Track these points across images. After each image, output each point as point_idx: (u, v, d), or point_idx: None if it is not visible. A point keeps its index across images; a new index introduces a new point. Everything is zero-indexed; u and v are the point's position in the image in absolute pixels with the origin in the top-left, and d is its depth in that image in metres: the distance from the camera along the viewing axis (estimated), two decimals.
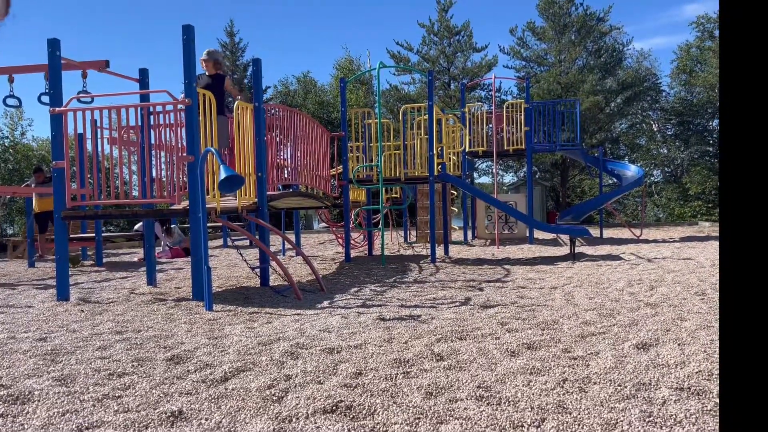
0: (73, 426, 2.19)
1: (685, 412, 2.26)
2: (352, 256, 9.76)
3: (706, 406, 2.34)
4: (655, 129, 28.83)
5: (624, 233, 14.96)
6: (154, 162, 6.00)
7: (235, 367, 2.99)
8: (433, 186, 9.06)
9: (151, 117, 6.07)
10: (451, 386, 2.64)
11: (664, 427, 2.13)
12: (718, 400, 2.42)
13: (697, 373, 2.80)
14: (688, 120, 26.98)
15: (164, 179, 5.96)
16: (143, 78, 6.82)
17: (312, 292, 5.89)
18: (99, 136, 6.18)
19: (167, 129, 6.26)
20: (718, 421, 2.18)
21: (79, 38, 64.50)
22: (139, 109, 5.88)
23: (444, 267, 8.06)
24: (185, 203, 5.79)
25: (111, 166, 5.99)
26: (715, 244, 10.98)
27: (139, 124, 5.89)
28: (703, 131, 27.04)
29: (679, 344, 3.38)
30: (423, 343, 3.51)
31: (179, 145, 6.02)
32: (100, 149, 6.21)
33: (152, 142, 5.90)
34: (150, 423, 2.21)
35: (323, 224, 15.96)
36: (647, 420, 2.20)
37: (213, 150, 5.10)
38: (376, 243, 11.41)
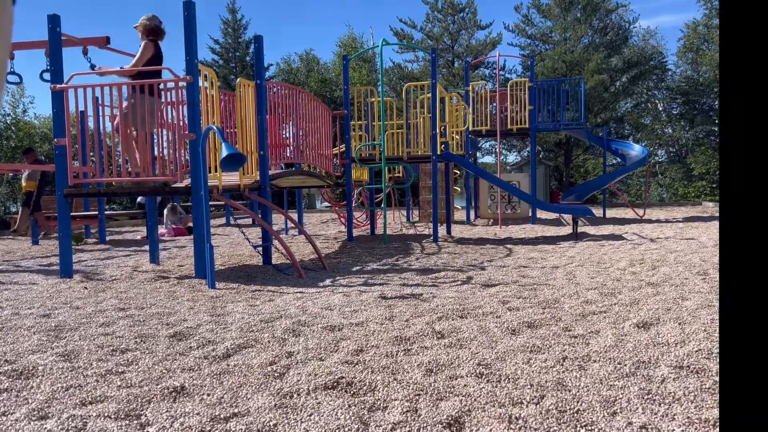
0: (77, 400, 2.21)
1: (683, 390, 2.27)
2: (354, 235, 9.77)
3: (705, 384, 2.35)
4: (660, 108, 28.61)
5: (627, 213, 14.93)
6: (156, 140, 5.99)
7: (237, 344, 3.01)
8: (436, 165, 9.03)
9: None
10: (452, 363, 2.66)
11: (662, 405, 2.15)
12: (717, 379, 2.43)
13: (696, 351, 2.81)
14: (694, 99, 26.76)
15: (166, 157, 5.95)
16: None
17: (314, 271, 5.91)
18: (102, 113, 6.15)
19: (169, 107, 6.23)
20: (717, 399, 2.19)
21: (78, 14, 63.95)
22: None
23: (446, 246, 8.07)
24: (187, 181, 5.79)
25: (114, 144, 5.98)
26: (718, 223, 10.96)
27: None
28: (708, 111, 26.83)
29: (679, 323, 3.39)
30: (424, 321, 3.53)
31: (181, 123, 5.99)
32: (102, 127, 6.19)
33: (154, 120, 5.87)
34: (152, 398, 2.23)
35: (326, 203, 15.96)
36: (646, 397, 2.21)
37: (215, 128, 5.08)
38: (379, 222, 11.42)
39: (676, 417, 2.03)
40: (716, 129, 26.41)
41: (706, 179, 24.73)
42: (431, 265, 6.21)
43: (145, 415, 2.07)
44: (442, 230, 10.08)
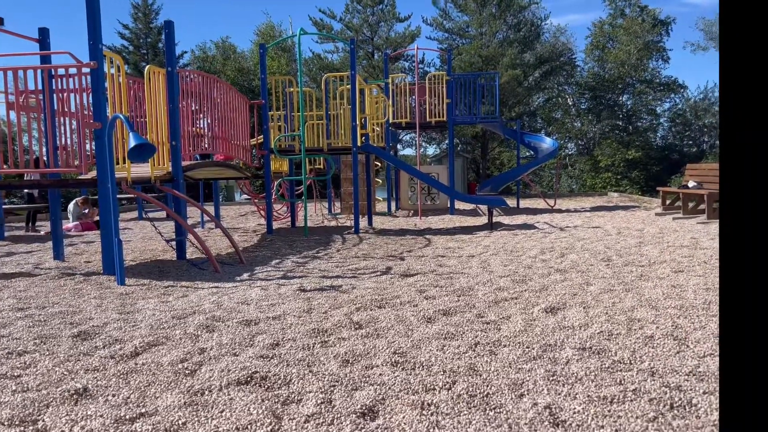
0: None
1: (585, 370, 2.40)
2: (274, 227, 9.63)
3: (605, 364, 2.49)
4: (570, 103, 29.95)
5: (539, 203, 15.56)
6: (58, 129, 5.64)
7: (146, 342, 2.89)
8: (357, 157, 9.04)
9: (56, 81, 5.68)
10: (368, 353, 2.68)
11: (566, 385, 2.26)
12: (616, 358, 2.58)
13: (598, 333, 2.97)
14: (601, 95, 28.18)
15: (70, 147, 5.62)
16: (44, 38, 6.34)
17: (231, 265, 5.78)
18: None
19: (73, 94, 5.87)
20: (615, 377, 2.34)
21: None
22: (39, 71, 5.48)
23: (367, 238, 8.11)
24: (94, 173, 5.49)
25: (9, 133, 5.57)
26: (622, 213, 11.63)
27: (41, 87, 5.50)
28: (613, 106, 28.33)
29: (584, 307, 3.58)
30: (342, 313, 3.53)
31: (85, 112, 5.67)
32: (2, 115, 5.76)
33: (54, 107, 5.53)
34: (51, 402, 2.11)
35: (245, 196, 15.62)
36: (551, 379, 2.32)
37: (122, 116, 4.84)
38: (300, 214, 11.31)
39: (577, 396, 2.14)
40: (620, 123, 27.98)
41: (611, 171, 26.14)
42: (351, 256, 6.22)
43: (43, 421, 1.95)
44: (363, 222, 10.12)
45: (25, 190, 10.63)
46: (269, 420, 1.92)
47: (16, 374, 2.44)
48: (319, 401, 2.07)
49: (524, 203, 15.69)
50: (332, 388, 2.21)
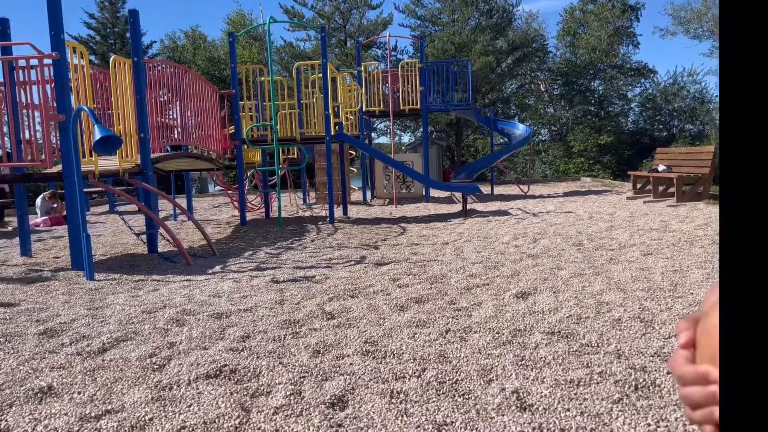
0: None
1: (553, 354, 2.44)
2: (248, 219, 9.55)
3: (573, 348, 2.53)
4: (543, 89, 30.16)
5: (513, 190, 15.68)
6: (20, 122, 5.50)
7: (114, 338, 2.85)
8: (330, 146, 8.99)
9: (17, 73, 5.53)
10: (339, 343, 2.68)
11: (534, 369, 2.29)
12: (584, 342, 2.62)
13: (567, 317, 3.02)
14: (573, 81, 28.42)
15: (33, 140, 5.49)
16: (3, 29, 6.15)
17: (204, 258, 5.72)
18: None
19: (36, 86, 5.73)
20: (582, 360, 2.37)
21: None
22: None
23: (342, 227, 8.09)
24: (59, 167, 5.38)
25: None
26: (594, 197, 11.79)
27: (1, 80, 5.35)
28: (585, 91, 28.61)
29: (554, 292, 3.62)
30: (315, 303, 3.52)
31: (49, 104, 5.53)
32: None
33: (17, 100, 5.38)
34: (15, 401, 2.07)
35: (218, 187, 15.46)
36: (520, 363, 2.35)
37: (86, 108, 4.74)
38: (274, 205, 11.23)
39: (545, 380, 2.17)
40: (592, 108, 28.27)
41: (584, 156, 26.44)
42: (326, 246, 6.20)
43: (6, 420, 1.91)
44: (338, 211, 10.09)
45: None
46: (237, 413, 1.91)
47: None
48: (288, 393, 2.07)
49: (498, 190, 15.80)
50: (302, 379, 2.21)
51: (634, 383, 2.10)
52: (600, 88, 29.02)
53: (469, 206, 9.88)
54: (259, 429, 1.81)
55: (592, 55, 27.27)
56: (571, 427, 1.76)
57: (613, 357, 2.40)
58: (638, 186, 11.59)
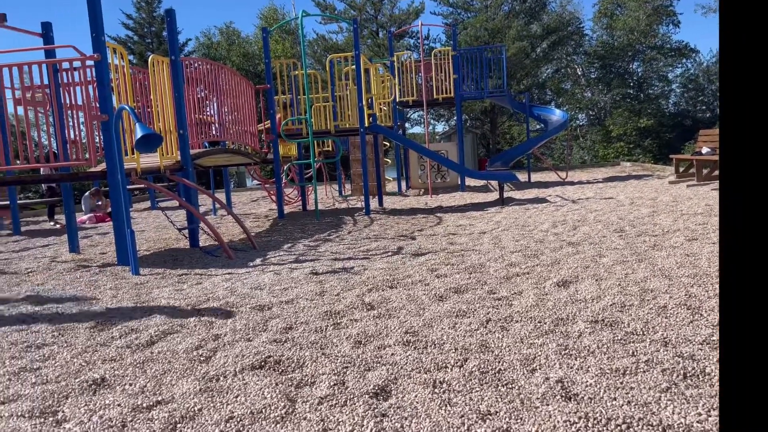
0: None
1: (597, 343, 2.40)
2: (286, 212, 9.66)
3: (617, 336, 2.49)
4: (579, 73, 29.55)
5: (551, 176, 15.45)
6: (66, 123, 5.66)
7: (161, 330, 2.93)
8: (364, 138, 9.00)
9: (61, 75, 5.69)
10: (380, 334, 2.69)
11: (578, 358, 2.26)
12: (628, 330, 2.57)
13: (611, 305, 2.96)
14: (610, 63, 27.76)
15: (78, 140, 5.65)
16: (47, 32, 6.34)
17: (244, 251, 5.82)
18: (3, 96, 5.75)
19: (78, 87, 5.89)
20: (627, 349, 2.33)
21: None
22: (44, 66, 5.49)
23: (378, 218, 8.11)
24: (103, 165, 5.53)
25: (18, 128, 5.61)
26: (635, 182, 11.52)
27: (47, 82, 5.52)
28: (624, 74, 27.92)
29: (596, 279, 3.56)
30: (354, 294, 3.55)
31: (92, 105, 5.69)
32: (8, 111, 5.79)
33: (61, 101, 5.55)
34: (70, 393, 2.15)
35: (256, 181, 15.67)
36: (563, 353, 2.32)
37: (127, 107, 4.86)
38: (311, 198, 11.33)
39: (590, 369, 2.14)
40: (631, 92, 27.58)
41: (623, 140, 25.86)
42: (363, 237, 6.23)
43: (62, 411, 1.99)
44: (374, 203, 10.12)
45: (44, 185, 10.72)
46: (283, 403, 1.94)
47: (35, 367, 2.48)
48: (332, 383, 2.09)
49: (535, 177, 15.59)
50: (345, 370, 2.23)
51: (682, 372, 2.05)
52: (639, 70, 28.27)
53: (505, 194, 9.78)
54: (304, 419, 1.84)
55: (630, 36, 26.58)
56: (618, 417, 1.74)
57: (659, 345, 2.35)
58: (681, 170, 11.27)
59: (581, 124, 30.01)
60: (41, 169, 7.77)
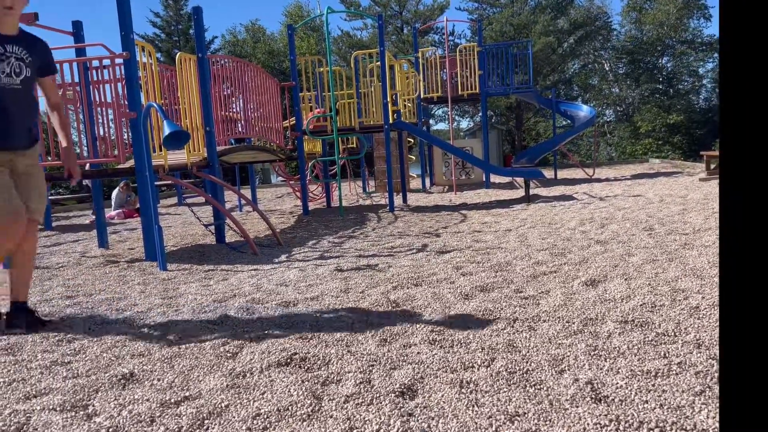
0: (20, 395, 2.14)
1: (627, 344, 2.35)
2: (310, 208, 9.70)
3: (648, 337, 2.44)
4: (607, 68, 29.09)
5: (577, 173, 15.25)
6: (95, 120, 5.75)
7: (189, 326, 2.96)
8: (389, 134, 8.99)
9: (91, 72, 5.78)
10: (405, 332, 2.68)
11: (607, 360, 2.22)
12: (659, 331, 2.52)
13: (641, 305, 2.91)
14: (639, 58, 27.29)
15: (107, 137, 5.74)
16: (77, 31, 6.45)
17: (269, 247, 5.85)
18: (35, 93, 5.86)
19: (108, 84, 5.98)
20: (658, 350, 2.28)
21: None
22: (75, 64, 5.59)
23: (402, 215, 8.09)
24: (131, 162, 5.61)
25: (49, 125, 5.71)
26: (664, 179, 11.31)
27: (77, 80, 5.61)
28: (653, 69, 27.42)
29: (625, 279, 3.50)
30: (379, 292, 3.54)
31: (120, 102, 5.77)
32: (39, 108, 5.90)
33: (91, 99, 5.64)
34: (100, 387, 2.18)
35: (281, 178, 15.76)
36: (592, 353, 2.28)
37: (155, 105, 4.91)
38: (335, 195, 11.36)
39: (620, 370, 2.10)
40: (660, 87, 27.08)
41: (652, 136, 25.41)
42: (387, 234, 6.22)
43: (93, 405, 2.02)
44: (398, 199, 10.10)
45: (85, 181, 10.94)
46: (309, 401, 1.94)
47: (66, 361, 2.52)
48: (358, 381, 2.09)
49: (562, 174, 15.41)
50: (371, 368, 2.23)
51: (716, 375, 2.00)
52: (669, 65, 27.74)
53: (531, 191, 9.68)
54: (331, 417, 1.84)
55: (659, 30, 26.09)
56: (651, 420, 1.70)
57: (692, 347, 2.29)
58: (712, 167, 11.04)
59: (609, 120, 29.57)
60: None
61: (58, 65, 5.46)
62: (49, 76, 3.26)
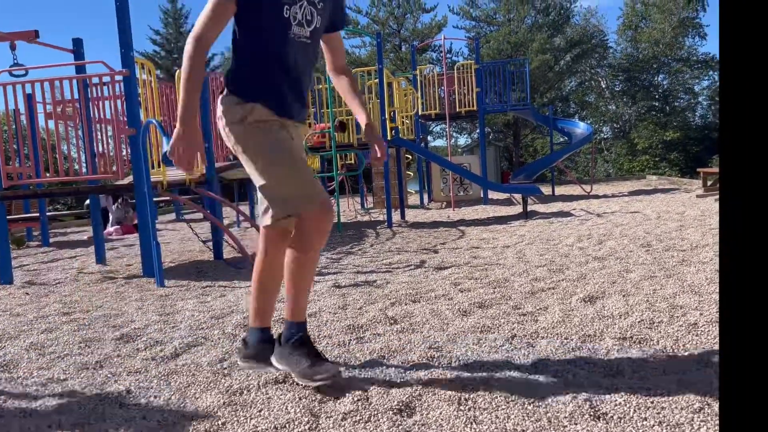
0: (15, 412, 2.13)
1: (626, 361, 2.35)
2: None
3: (647, 353, 2.43)
4: (604, 86, 29.32)
5: (575, 190, 15.29)
6: (94, 136, 5.78)
7: (186, 343, 2.95)
8: (387, 151, 9.02)
9: (91, 89, 5.82)
10: (403, 348, 2.67)
11: (606, 376, 2.21)
12: (658, 347, 2.52)
13: (639, 322, 2.90)
14: (635, 76, 27.53)
15: (106, 153, 5.76)
16: (78, 48, 6.50)
17: None
18: (34, 110, 5.89)
19: (107, 101, 6.01)
20: (656, 368, 2.27)
21: (3, 7, 60.62)
22: (75, 81, 5.62)
23: (400, 231, 8.10)
24: (130, 178, 5.62)
25: (48, 142, 5.74)
26: (661, 196, 11.34)
27: (77, 97, 5.65)
28: (649, 87, 27.65)
29: (623, 295, 3.50)
30: (377, 308, 3.53)
31: (120, 118, 5.79)
32: (39, 125, 5.93)
33: (91, 115, 5.66)
34: (96, 405, 2.16)
35: None
36: (591, 370, 2.27)
37: (155, 121, 4.93)
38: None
39: (619, 388, 2.09)
40: (657, 104, 27.27)
41: (649, 153, 25.54)
42: (385, 250, 6.22)
43: (89, 424, 2.00)
44: (396, 215, 10.11)
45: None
46: (306, 418, 1.93)
47: (62, 378, 2.51)
48: (355, 398, 2.07)
49: (560, 190, 15.45)
50: (368, 385, 2.21)
51: (716, 392, 1.99)
52: (665, 82, 27.97)
53: (529, 208, 9.70)
54: None
55: (655, 48, 26.35)
56: None
57: (690, 363, 2.29)
58: (709, 183, 11.09)
59: (605, 136, 29.72)
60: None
61: (58, 82, 5.49)
62: (339, 32, 2.50)
